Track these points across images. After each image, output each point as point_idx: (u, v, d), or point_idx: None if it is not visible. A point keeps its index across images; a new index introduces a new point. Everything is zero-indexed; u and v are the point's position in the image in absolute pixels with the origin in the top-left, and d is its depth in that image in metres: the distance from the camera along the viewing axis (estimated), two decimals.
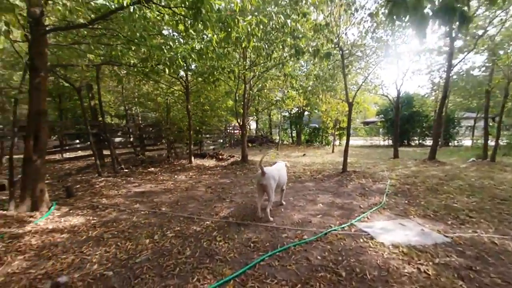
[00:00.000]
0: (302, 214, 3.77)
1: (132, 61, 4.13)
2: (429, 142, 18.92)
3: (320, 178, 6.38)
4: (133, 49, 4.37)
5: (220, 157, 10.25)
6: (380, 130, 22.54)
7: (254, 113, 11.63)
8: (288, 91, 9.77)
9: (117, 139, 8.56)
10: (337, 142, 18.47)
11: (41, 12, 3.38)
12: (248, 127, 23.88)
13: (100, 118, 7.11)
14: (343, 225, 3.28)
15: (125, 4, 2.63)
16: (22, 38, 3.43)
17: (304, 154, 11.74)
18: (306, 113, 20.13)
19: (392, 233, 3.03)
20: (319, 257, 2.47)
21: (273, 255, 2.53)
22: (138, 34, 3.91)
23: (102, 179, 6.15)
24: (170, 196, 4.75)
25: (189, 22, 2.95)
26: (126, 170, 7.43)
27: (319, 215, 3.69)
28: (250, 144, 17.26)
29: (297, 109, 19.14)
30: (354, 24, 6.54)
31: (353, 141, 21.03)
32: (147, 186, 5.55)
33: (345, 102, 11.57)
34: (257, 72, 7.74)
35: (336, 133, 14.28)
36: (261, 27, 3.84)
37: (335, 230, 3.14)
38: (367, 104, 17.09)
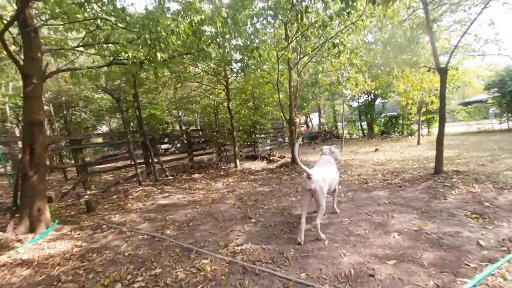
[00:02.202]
0: (359, 254, 2.21)
1: (129, 54, 3.47)
2: None
3: (398, 183, 4.39)
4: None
5: (271, 158, 9.11)
6: (491, 110, 16.73)
7: (304, 106, 9.85)
8: (348, 72, 7.78)
9: (164, 146, 8.56)
10: (424, 131, 14.53)
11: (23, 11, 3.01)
12: (310, 123, 21.91)
13: (147, 126, 7.11)
14: None
15: None
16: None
17: (376, 149, 9.31)
18: (378, 100, 16.79)
19: None
20: None
21: None
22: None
23: (140, 188, 5.94)
24: (188, 212, 3.91)
25: None
26: (170, 178, 7.19)
27: (391, 260, 2.06)
28: (303, 142, 15.48)
29: (366, 96, 16.14)
30: None
31: (450, 128, 16.21)
32: (175, 197, 4.92)
33: (432, 74, 8.62)
34: (300, 50, 6.22)
35: (422, 118, 10.99)
36: None
37: None
38: (469, 78, 12.77)
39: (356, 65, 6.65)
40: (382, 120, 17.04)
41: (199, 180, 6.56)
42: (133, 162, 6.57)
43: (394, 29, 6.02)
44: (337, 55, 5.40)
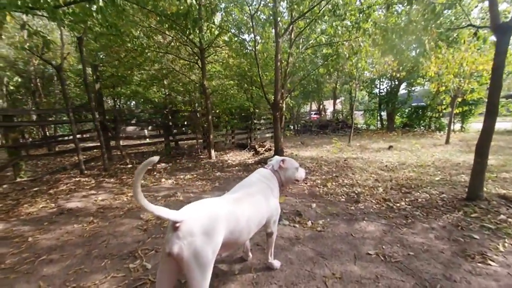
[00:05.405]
0: None
1: None
2: None
3: (404, 210, 2.80)
4: None
5: (259, 149, 7.66)
6: None
7: (294, 88, 7.85)
8: (360, 45, 5.88)
9: (130, 128, 7.39)
10: (456, 126, 12.17)
11: None
12: (323, 110, 19.82)
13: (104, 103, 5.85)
14: None
15: None
16: None
17: (390, 147, 7.47)
18: (403, 86, 14.33)
19: None
20: None
21: None
22: None
23: (76, 179, 4.82)
24: (73, 229, 2.65)
25: None
26: (129, 166, 6.03)
27: None
28: (293, 131, 13.69)
29: (388, 81, 13.82)
30: None
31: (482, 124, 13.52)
32: (94, 198, 3.70)
33: (476, 51, 6.54)
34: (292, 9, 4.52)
35: (456, 110, 8.81)
36: None
37: None
38: None
39: (368, 31, 4.79)
40: (406, 110, 14.67)
41: (154, 173, 5.32)
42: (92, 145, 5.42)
43: None
44: (332, 12, 3.66)
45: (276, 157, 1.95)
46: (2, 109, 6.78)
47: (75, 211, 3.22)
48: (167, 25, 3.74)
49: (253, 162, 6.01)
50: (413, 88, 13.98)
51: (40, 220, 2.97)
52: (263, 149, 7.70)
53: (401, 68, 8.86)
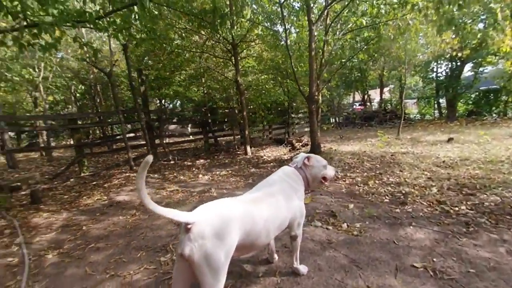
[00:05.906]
0: None
1: None
2: None
3: (465, 216, 2.36)
4: None
5: (295, 144, 7.43)
6: None
7: (330, 79, 7.20)
8: (409, 23, 5.16)
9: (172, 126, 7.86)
10: None
11: None
12: (368, 101, 18.25)
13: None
14: None
15: None
16: None
17: (450, 139, 6.45)
18: (468, 67, 12.24)
19: None
20: None
21: None
22: None
23: (126, 174, 5.35)
24: (118, 221, 2.92)
25: None
26: (172, 162, 6.46)
27: None
28: (335, 124, 12.67)
29: (449, 63, 11.96)
30: None
31: None
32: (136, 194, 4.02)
33: None
34: None
35: None
36: None
37: None
38: None
39: (417, 6, 4.14)
40: (472, 95, 12.56)
41: (193, 169, 5.58)
42: (140, 143, 6.01)
43: None
44: None
45: (302, 154, 1.81)
46: (68, 114, 7.92)
47: (122, 204, 3.55)
48: (196, 24, 3.82)
49: (288, 158, 5.84)
50: (481, 69, 11.84)
51: (94, 211, 3.35)
52: (300, 144, 7.44)
53: (463, 45, 7.52)
